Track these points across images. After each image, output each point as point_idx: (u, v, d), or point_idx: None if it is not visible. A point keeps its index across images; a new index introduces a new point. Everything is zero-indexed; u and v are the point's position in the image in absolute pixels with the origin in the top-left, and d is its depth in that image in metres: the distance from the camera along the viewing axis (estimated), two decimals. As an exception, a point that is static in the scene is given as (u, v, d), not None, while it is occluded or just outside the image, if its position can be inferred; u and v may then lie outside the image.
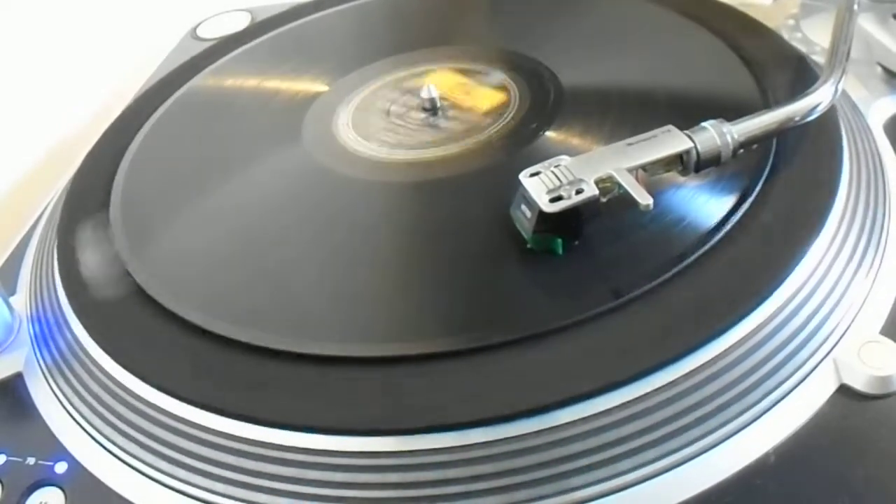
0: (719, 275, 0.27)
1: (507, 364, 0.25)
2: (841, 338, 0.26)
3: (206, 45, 0.50)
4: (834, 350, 0.26)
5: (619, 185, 0.27)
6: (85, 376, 0.30)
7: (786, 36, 0.41)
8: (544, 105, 0.37)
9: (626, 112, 0.35)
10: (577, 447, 0.24)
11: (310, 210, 0.34)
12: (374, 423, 0.25)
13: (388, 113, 0.39)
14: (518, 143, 0.35)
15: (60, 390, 0.30)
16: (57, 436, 0.29)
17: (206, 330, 0.28)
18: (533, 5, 0.46)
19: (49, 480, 0.28)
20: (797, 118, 0.30)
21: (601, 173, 0.28)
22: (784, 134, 0.31)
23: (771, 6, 0.45)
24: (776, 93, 0.34)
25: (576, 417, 0.24)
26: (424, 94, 0.38)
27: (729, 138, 0.29)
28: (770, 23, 0.40)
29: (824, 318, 0.27)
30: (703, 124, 0.29)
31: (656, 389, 0.24)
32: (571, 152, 0.29)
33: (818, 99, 0.31)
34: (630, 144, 0.29)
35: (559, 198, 0.27)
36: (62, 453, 0.28)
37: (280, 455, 0.25)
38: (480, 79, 0.40)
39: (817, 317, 0.26)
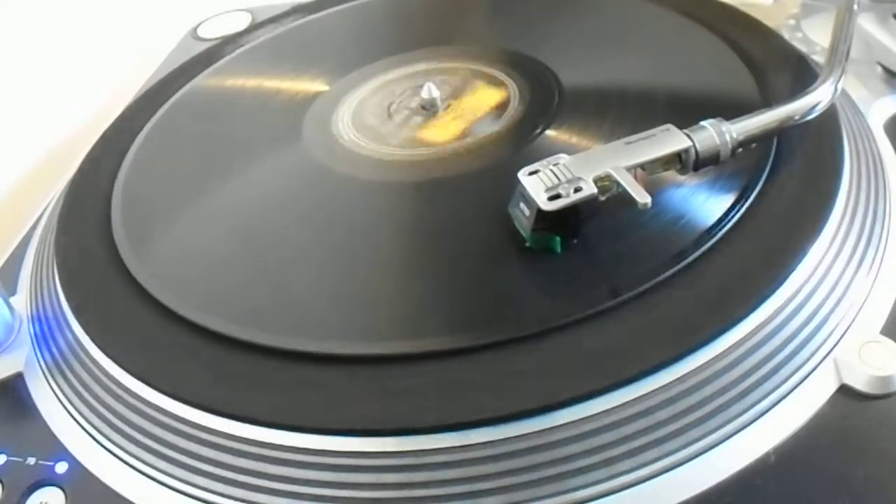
0: (719, 274, 0.27)
1: (506, 364, 0.25)
2: (841, 338, 0.26)
3: (207, 45, 0.50)
4: (834, 350, 0.26)
5: (618, 184, 0.27)
6: (85, 376, 0.30)
7: (786, 36, 0.41)
8: (544, 104, 0.37)
9: (625, 111, 0.35)
10: (577, 447, 0.24)
11: (310, 209, 0.34)
12: (374, 423, 0.25)
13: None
14: (518, 143, 0.35)
15: (61, 390, 0.30)
16: (57, 436, 0.29)
17: (206, 329, 0.28)
18: (533, 5, 0.46)
19: (49, 480, 0.28)
20: (796, 117, 0.30)
21: (600, 172, 0.28)
22: (784, 134, 0.31)
23: (771, 6, 0.45)
24: (776, 93, 0.34)
25: (575, 418, 0.24)
26: (424, 94, 0.38)
27: (728, 137, 0.29)
28: (770, 23, 0.40)
29: (825, 317, 0.27)
30: (702, 123, 0.29)
31: (656, 389, 0.24)
32: (571, 151, 0.29)
33: (818, 98, 0.31)
34: (629, 143, 0.29)
35: (557, 196, 0.27)
36: (62, 453, 0.28)
37: (279, 455, 0.25)
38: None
39: (818, 317, 0.26)
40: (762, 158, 0.31)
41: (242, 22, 0.55)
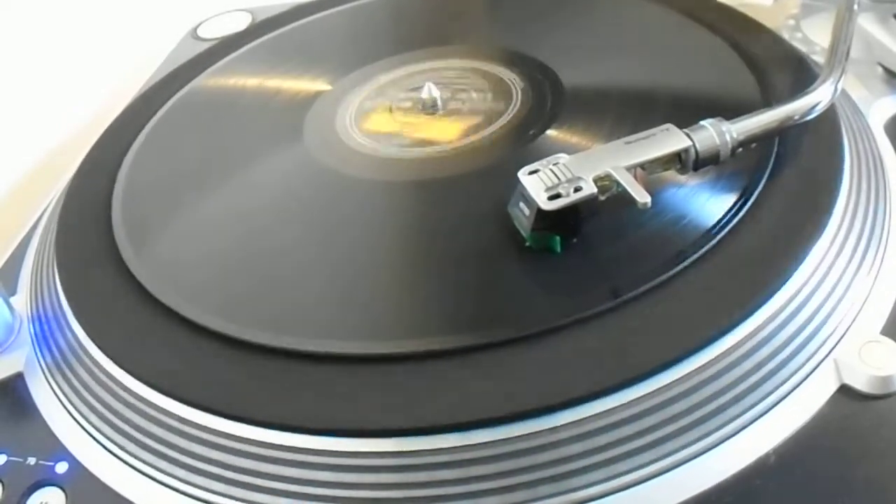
0: (719, 274, 0.27)
1: (505, 364, 0.25)
2: (842, 338, 0.26)
3: (207, 45, 0.50)
4: (834, 350, 0.26)
5: (618, 184, 0.27)
6: (85, 376, 0.30)
7: (786, 36, 0.41)
8: (544, 104, 0.37)
9: (625, 111, 0.35)
10: (577, 448, 0.24)
11: (310, 209, 0.34)
12: (374, 424, 0.25)
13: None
14: (518, 142, 0.35)
15: (61, 390, 0.30)
16: (57, 436, 0.29)
17: (206, 329, 0.28)
18: (533, 5, 0.46)
19: (49, 480, 0.28)
20: (796, 117, 0.30)
21: (600, 171, 0.28)
22: (785, 133, 0.31)
23: (771, 6, 0.45)
24: (776, 93, 0.34)
25: (575, 418, 0.24)
26: (425, 94, 0.38)
27: (728, 137, 0.29)
28: (770, 23, 0.40)
29: (825, 318, 0.27)
30: (702, 123, 0.29)
31: (656, 390, 0.24)
32: (571, 151, 0.29)
33: (817, 98, 0.31)
34: (628, 143, 0.29)
35: (557, 195, 0.27)
36: (63, 453, 0.28)
37: (279, 455, 0.25)
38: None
39: (818, 317, 0.26)
40: (762, 158, 0.31)
41: (242, 22, 0.55)
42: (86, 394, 0.29)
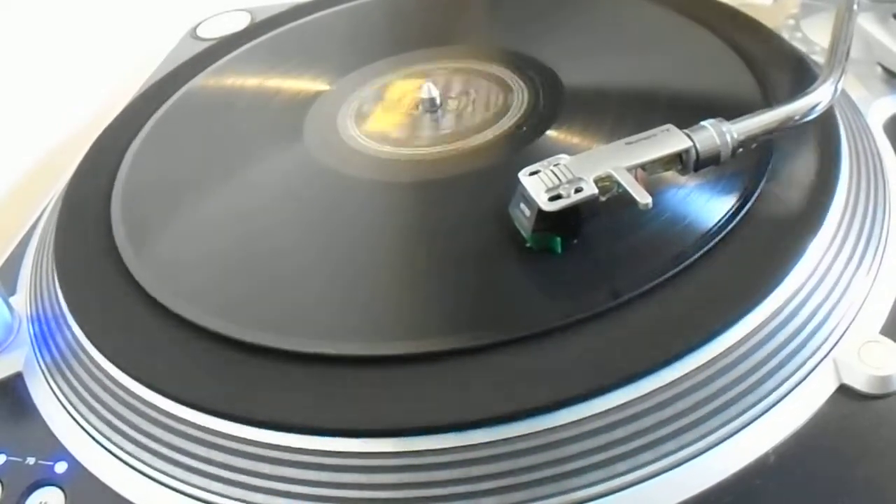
0: (719, 274, 0.27)
1: (505, 364, 0.25)
2: (841, 338, 0.26)
3: (206, 44, 0.50)
4: (834, 350, 0.26)
5: (619, 184, 0.27)
6: (84, 376, 0.30)
7: (786, 36, 0.41)
8: (544, 104, 0.37)
9: (625, 111, 0.35)
10: (577, 448, 0.24)
11: (310, 209, 0.34)
12: (374, 424, 0.25)
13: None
14: (518, 143, 0.35)
15: (60, 390, 0.30)
16: (57, 436, 0.29)
17: (206, 329, 0.28)
18: (533, 5, 0.46)
19: (49, 480, 0.28)
20: (797, 117, 0.30)
21: (600, 172, 0.28)
22: (784, 134, 0.31)
23: (771, 6, 0.45)
24: (776, 93, 0.34)
25: (575, 418, 0.24)
26: (425, 94, 0.38)
27: (728, 137, 0.29)
28: (770, 23, 0.40)
29: (824, 317, 0.27)
30: (703, 123, 0.29)
31: (656, 390, 0.24)
32: (571, 152, 0.29)
33: (818, 98, 0.31)
34: (629, 143, 0.29)
35: (558, 196, 0.27)
36: (62, 453, 0.28)
37: (279, 455, 0.25)
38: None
39: (817, 316, 0.26)
40: (762, 159, 0.31)
41: (242, 22, 0.55)
42: (85, 394, 0.29)
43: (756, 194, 0.29)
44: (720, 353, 0.25)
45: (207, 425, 0.26)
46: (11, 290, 0.36)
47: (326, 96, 0.41)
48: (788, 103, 0.30)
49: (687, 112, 0.30)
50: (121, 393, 0.28)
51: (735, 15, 0.41)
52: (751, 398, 0.25)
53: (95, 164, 0.39)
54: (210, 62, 0.47)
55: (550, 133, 0.35)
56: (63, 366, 0.31)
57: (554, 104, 0.37)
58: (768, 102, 0.33)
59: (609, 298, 0.26)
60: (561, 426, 0.24)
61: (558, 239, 0.28)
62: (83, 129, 0.50)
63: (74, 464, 0.28)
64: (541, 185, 0.28)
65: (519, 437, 0.24)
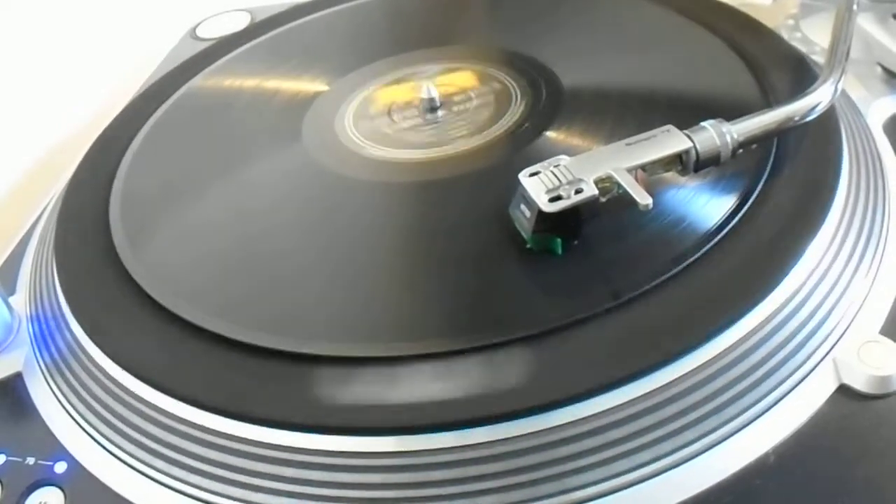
0: (718, 274, 0.27)
1: (505, 364, 0.25)
2: (840, 337, 0.26)
3: (206, 44, 0.50)
4: (833, 350, 0.26)
5: (619, 185, 0.27)
6: (84, 376, 0.30)
7: (786, 36, 0.41)
8: (544, 105, 0.37)
9: (625, 112, 0.35)
10: (577, 447, 0.24)
11: (309, 210, 0.34)
12: (373, 423, 0.25)
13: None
14: (518, 143, 0.35)
15: (60, 390, 0.30)
16: (56, 436, 0.29)
17: (205, 330, 0.28)
18: (533, 5, 0.46)
19: (49, 480, 0.28)
20: (797, 118, 0.30)
21: (600, 173, 0.28)
22: (784, 134, 0.31)
23: (771, 6, 0.45)
24: (776, 93, 0.34)
25: (575, 418, 0.24)
26: (424, 94, 0.38)
27: (728, 138, 0.29)
28: (770, 23, 0.40)
29: (824, 317, 0.27)
30: (703, 124, 0.29)
31: (656, 389, 0.24)
32: (571, 152, 0.29)
33: (818, 99, 0.31)
34: (629, 144, 0.29)
35: (558, 197, 0.27)
36: (62, 453, 0.28)
37: (279, 455, 0.25)
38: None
39: (817, 316, 0.26)
40: (762, 159, 0.31)
41: (241, 22, 0.55)
42: (84, 394, 0.29)
43: (756, 194, 0.29)
44: (720, 353, 0.25)
45: (207, 425, 0.26)
46: (11, 289, 0.36)
47: (325, 97, 0.41)
48: (788, 104, 0.30)
49: (687, 112, 0.31)
50: (120, 393, 0.28)
51: (735, 15, 0.41)
52: (750, 398, 0.25)
53: (95, 164, 0.39)
54: (210, 62, 0.47)
55: (550, 133, 0.35)
56: (63, 366, 0.31)
57: (554, 104, 0.37)
58: (768, 103, 0.33)
59: (609, 299, 0.26)
60: (560, 426, 0.24)
61: (559, 240, 0.28)
62: (83, 129, 0.49)
63: (74, 464, 0.28)
64: (541, 186, 0.28)
65: (518, 436, 0.24)
